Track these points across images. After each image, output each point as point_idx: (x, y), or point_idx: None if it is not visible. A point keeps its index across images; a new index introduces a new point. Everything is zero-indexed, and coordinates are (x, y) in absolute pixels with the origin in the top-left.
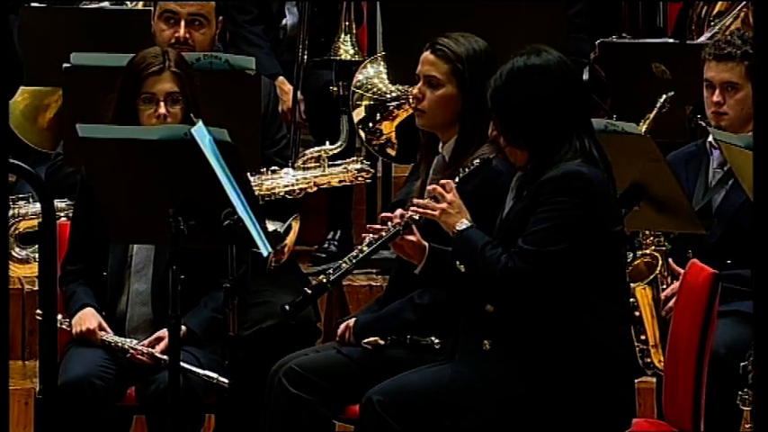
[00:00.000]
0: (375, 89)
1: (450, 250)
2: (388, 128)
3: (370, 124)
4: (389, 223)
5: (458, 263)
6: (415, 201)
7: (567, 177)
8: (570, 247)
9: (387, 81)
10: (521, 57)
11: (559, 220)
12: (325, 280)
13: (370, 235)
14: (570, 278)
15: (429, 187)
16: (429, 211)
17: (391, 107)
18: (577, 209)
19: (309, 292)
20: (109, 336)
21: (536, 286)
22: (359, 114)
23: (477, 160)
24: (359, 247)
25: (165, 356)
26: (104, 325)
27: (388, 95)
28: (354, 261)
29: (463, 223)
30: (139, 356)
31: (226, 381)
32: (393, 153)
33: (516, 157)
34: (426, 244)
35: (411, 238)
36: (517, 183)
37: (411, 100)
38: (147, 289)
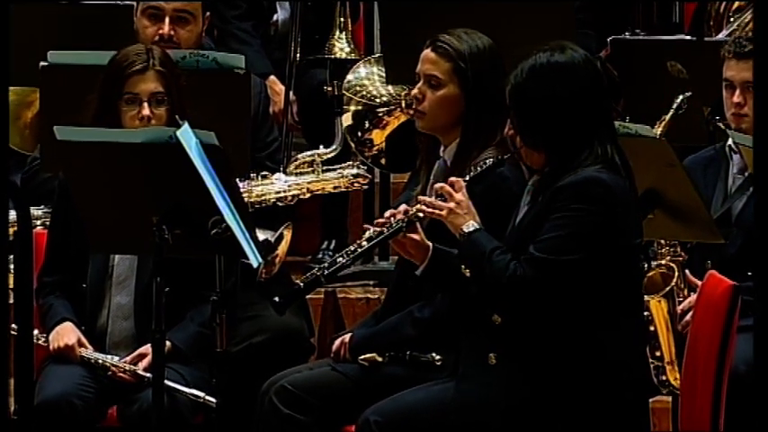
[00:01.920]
0: (364, 92)
1: (455, 252)
2: (378, 137)
3: (359, 133)
4: (392, 219)
5: (463, 267)
6: (421, 198)
7: (585, 183)
8: (585, 258)
9: (378, 84)
10: (544, 53)
11: (575, 227)
12: (318, 273)
13: (371, 230)
14: (582, 290)
15: (437, 185)
16: (436, 210)
17: (380, 113)
18: (595, 217)
19: (302, 285)
20: (88, 352)
21: (545, 296)
22: (346, 120)
23: (490, 159)
24: (358, 241)
25: (148, 374)
26: (84, 340)
27: (378, 100)
28: (352, 256)
29: (471, 225)
30: (121, 374)
31: (213, 400)
32: (386, 164)
33: (533, 159)
34: (430, 244)
35: (414, 236)
36: (533, 187)
37: (403, 103)
38: (129, 302)
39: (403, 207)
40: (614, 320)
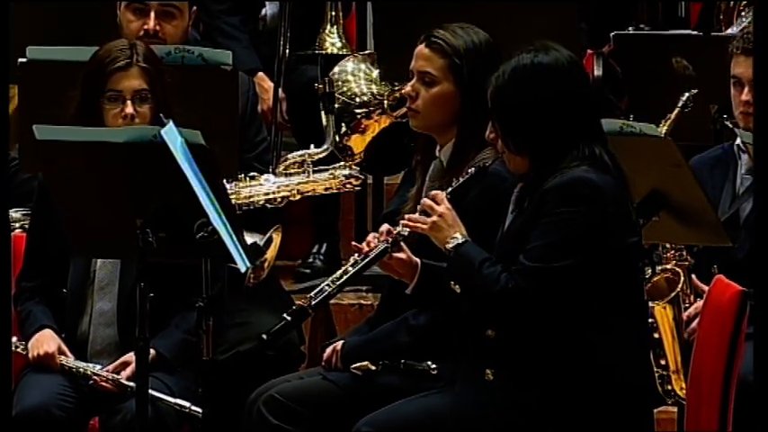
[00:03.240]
0: (345, 88)
1: (445, 266)
2: (358, 145)
3: (337, 138)
4: (376, 240)
5: (452, 283)
6: (406, 216)
7: (572, 184)
8: (578, 263)
9: (363, 83)
10: (527, 54)
11: (565, 232)
12: (305, 305)
13: (356, 254)
14: (579, 297)
15: (422, 201)
16: (419, 225)
17: (358, 115)
18: (585, 219)
19: (289, 318)
20: (69, 360)
21: (540, 307)
22: (325, 120)
23: (472, 169)
24: (343, 267)
25: (131, 383)
26: (64, 348)
27: (357, 99)
28: (338, 283)
29: (456, 238)
30: (103, 383)
31: (199, 410)
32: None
33: (516, 164)
34: (418, 261)
35: (400, 255)
36: (518, 194)
37: (386, 103)
38: (111, 308)
39: (385, 227)
40: (616, 327)
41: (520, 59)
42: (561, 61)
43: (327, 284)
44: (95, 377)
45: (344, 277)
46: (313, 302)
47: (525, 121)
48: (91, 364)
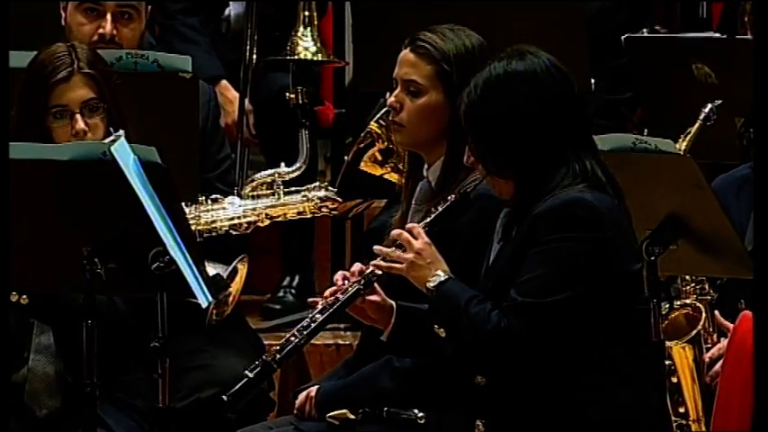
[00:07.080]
0: None
1: (424, 307)
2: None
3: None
4: (347, 282)
5: (436, 326)
6: (377, 248)
7: (566, 207)
8: (577, 295)
9: None
10: (499, 61)
11: (561, 261)
12: (269, 359)
13: (324, 299)
14: (579, 334)
15: (394, 232)
16: (394, 265)
17: None
18: (583, 245)
19: (251, 375)
20: None
21: (538, 348)
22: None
23: (452, 196)
24: (310, 315)
25: None
26: None
27: None
28: (305, 333)
29: (437, 277)
30: None
31: None
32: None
33: (500, 188)
34: (393, 303)
35: (374, 298)
36: (503, 221)
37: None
38: (52, 343)
39: (357, 267)
40: (623, 367)
41: (492, 69)
42: (539, 66)
43: (294, 335)
44: None
45: (312, 326)
46: (278, 356)
47: (505, 139)
48: None
